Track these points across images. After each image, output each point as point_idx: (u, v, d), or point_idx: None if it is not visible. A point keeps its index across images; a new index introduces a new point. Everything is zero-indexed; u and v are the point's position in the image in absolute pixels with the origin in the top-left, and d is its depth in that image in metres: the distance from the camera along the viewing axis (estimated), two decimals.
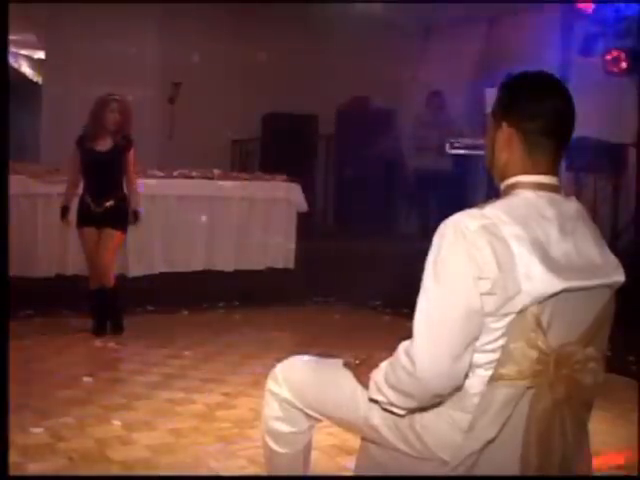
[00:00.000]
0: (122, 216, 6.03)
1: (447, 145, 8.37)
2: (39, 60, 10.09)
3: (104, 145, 5.96)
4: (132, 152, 6.01)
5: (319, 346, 5.72)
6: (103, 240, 5.98)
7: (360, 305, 7.46)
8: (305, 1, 9.35)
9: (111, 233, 5.99)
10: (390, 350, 2.06)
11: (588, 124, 6.54)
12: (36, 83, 10.16)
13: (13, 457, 3.52)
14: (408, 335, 1.96)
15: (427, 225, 9.42)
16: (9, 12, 2.96)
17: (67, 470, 3.44)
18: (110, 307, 6.03)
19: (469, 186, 9.40)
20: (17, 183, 6.42)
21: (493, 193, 2.10)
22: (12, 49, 9.68)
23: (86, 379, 4.86)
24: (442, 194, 9.08)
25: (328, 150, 10.61)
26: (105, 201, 5.97)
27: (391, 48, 9.81)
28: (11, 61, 9.82)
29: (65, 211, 6.06)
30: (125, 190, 6.05)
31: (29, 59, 10.21)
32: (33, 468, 3.44)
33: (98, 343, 5.79)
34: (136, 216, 6.07)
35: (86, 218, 5.99)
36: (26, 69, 10.21)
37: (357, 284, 7.42)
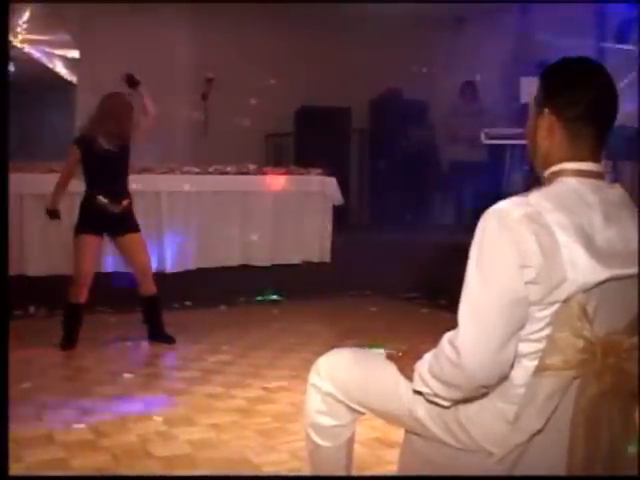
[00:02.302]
0: (134, 217, 5.74)
1: (482, 135, 8.29)
2: (74, 59, 10.15)
3: (113, 144, 5.54)
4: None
5: (357, 339, 5.71)
6: (134, 245, 5.66)
7: (397, 297, 7.45)
8: (336, 1, 9.34)
9: (139, 237, 5.69)
10: (429, 341, 2.05)
11: (625, 112, 6.50)
12: (71, 82, 10.21)
13: (57, 453, 3.57)
14: (447, 326, 1.95)
15: (462, 216, 9.39)
16: (10, 11, 2.96)
17: (110, 466, 3.46)
18: (158, 315, 5.80)
19: (504, 176, 9.32)
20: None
21: (530, 183, 2.07)
22: (47, 49, 9.76)
23: (126, 375, 4.89)
24: (477, 185, 9.02)
25: (362, 143, 10.58)
26: (122, 200, 5.61)
27: (423, 39, 9.76)
28: (46, 61, 9.89)
29: (56, 215, 5.61)
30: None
31: (64, 59, 10.25)
32: (76, 464, 3.47)
33: (135, 340, 5.82)
34: None
35: (98, 221, 5.52)
36: (61, 69, 10.25)
37: (393, 276, 7.41)
